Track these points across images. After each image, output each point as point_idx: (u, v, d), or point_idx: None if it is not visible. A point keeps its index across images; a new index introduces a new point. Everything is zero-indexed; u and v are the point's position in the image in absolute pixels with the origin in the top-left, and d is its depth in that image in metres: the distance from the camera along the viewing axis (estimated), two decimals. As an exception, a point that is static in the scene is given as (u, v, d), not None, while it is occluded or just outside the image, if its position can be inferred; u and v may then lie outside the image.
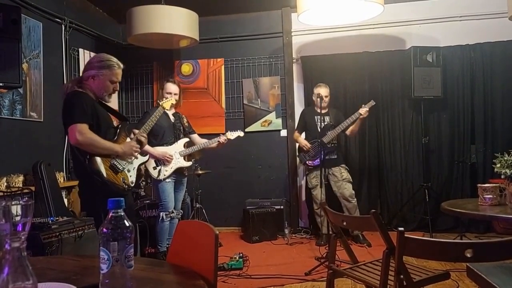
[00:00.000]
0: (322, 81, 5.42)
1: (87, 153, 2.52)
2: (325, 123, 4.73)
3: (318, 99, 4.62)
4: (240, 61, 5.77)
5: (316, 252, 4.32)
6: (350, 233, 4.69)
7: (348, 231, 4.59)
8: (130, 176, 2.74)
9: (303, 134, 4.96)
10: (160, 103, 3.58)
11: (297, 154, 5.16)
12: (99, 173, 2.53)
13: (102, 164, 2.56)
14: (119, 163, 2.66)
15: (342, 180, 4.71)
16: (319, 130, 4.66)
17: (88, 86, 2.65)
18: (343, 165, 4.78)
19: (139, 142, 2.91)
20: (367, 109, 4.50)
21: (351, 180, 4.77)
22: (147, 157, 3.08)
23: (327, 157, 4.63)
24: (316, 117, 4.71)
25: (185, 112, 4.47)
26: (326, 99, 4.72)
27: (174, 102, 3.80)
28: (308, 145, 4.71)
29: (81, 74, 2.76)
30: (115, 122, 2.89)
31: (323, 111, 4.74)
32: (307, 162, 4.75)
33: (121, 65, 2.73)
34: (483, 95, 5.11)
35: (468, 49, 5.15)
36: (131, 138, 2.83)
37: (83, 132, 2.47)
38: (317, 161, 4.63)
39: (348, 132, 4.69)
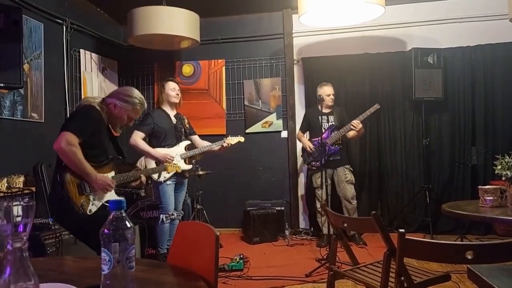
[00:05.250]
0: (323, 82, 5.43)
1: (63, 162, 2.49)
2: (330, 123, 4.74)
3: (324, 97, 4.65)
4: (241, 62, 5.78)
5: (316, 253, 4.32)
6: (346, 233, 4.68)
7: (345, 231, 4.58)
8: (92, 204, 2.57)
9: (307, 134, 4.97)
10: (165, 166, 3.55)
11: (301, 154, 5.14)
12: (63, 184, 2.48)
13: (71, 177, 2.50)
14: (89, 187, 2.56)
15: (346, 181, 4.71)
16: (323, 130, 4.68)
17: (107, 109, 2.70)
18: (347, 166, 4.77)
19: (139, 180, 2.96)
20: (358, 121, 4.49)
21: (353, 181, 4.77)
22: (122, 198, 3.03)
23: (331, 158, 4.65)
24: (320, 117, 4.70)
25: (186, 113, 4.46)
26: (331, 98, 4.72)
27: (179, 170, 3.74)
28: (311, 146, 4.69)
29: (105, 97, 2.80)
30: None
31: (327, 111, 4.76)
32: (311, 162, 4.74)
33: (145, 105, 2.84)
34: (484, 96, 5.10)
35: (469, 50, 5.15)
36: (114, 171, 2.79)
37: (71, 143, 2.42)
38: (320, 162, 4.62)
39: (349, 136, 4.70)
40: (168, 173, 3.65)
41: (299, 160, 5.61)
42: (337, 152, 4.70)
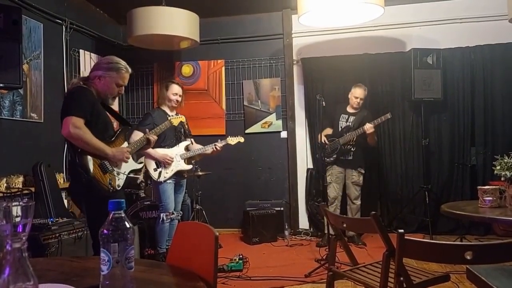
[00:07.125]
0: (323, 82, 5.46)
1: (78, 148, 2.51)
2: (347, 123, 4.77)
3: (351, 97, 4.76)
4: (241, 63, 5.78)
5: (316, 253, 4.32)
6: (345, 234, 4.69)
7: (344, 231, 4.60)
8: (118, 179, 2.67)
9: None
10: (169, 119, 3.60)
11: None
12: (86, 168, 2.50)
13: (91, 160, 2.53)
14: (109, 164, 2.63)
15: (352, 182, 4.77)
16: (339, 129, 4.76)
17: (93, 85, 2.66)
18: (358, 169, 4.78)
19: (148, 140, 2.99)
20: (372, 125, 4.55)
21: (360, 184, 4.81)
22: (141, 165, 3.08)
23: (342, 157, 4.73)
24: (342, 115, 4.80)
25: (185, 113, 4.45)
26: (356, 101, 4.75)
27: (184, 120, 3.81)
28: (320, 140, 4.70)
29: (88, 74, 2.75)
30: (116, 125, 2.89)
31: (352, 111, 4.82)
32: (323, 158, 4.73)
33: (129, 70, 2.74)
34: (483, 97, 5.11)
35: (468, 51, 5.16)
36: (127, 141, 2.82)
37: (77, 125, 2.44)
38: (331, 159, 4.71)
39: (367, 140, 4.74)
40: (174, 124, 3.65)
41: (299, 160, 5.62)
42: (349, 152, 4.74)
